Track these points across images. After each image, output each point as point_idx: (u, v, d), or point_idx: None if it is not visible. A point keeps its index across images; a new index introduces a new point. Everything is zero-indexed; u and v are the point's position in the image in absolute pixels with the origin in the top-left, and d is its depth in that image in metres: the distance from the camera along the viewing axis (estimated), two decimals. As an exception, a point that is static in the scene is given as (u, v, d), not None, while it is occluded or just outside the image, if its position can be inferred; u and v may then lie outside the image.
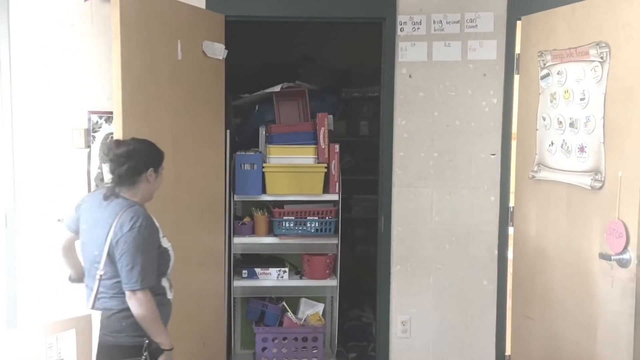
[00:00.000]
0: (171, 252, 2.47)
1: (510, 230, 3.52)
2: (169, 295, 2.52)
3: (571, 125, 2.98)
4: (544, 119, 3.17)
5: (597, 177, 2.82)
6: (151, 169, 2.40)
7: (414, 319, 3.53)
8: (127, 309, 2.32)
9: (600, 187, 2.80)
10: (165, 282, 2.49)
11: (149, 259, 2.31)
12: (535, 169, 3.25)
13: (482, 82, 3.43)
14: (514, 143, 3.50)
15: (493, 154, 3.46)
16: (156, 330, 2.35)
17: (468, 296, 3.50)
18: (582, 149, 2.91)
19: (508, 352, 3.53)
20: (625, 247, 2.65)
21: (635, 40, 2.59)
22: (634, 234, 2.62)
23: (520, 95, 3.43)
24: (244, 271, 3.81)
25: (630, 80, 2.62)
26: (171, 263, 2.47)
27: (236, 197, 3.76)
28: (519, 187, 3.46)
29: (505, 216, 3.48)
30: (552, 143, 3.12)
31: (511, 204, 3.50)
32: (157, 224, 2.43)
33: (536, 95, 3.22)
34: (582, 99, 2.90)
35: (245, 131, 4.13)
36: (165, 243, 2.44)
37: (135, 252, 2.26)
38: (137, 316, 2.30)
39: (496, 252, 3.49)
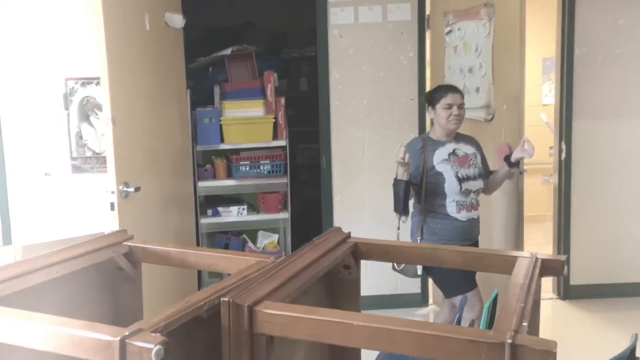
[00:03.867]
0: (447, 176, 3.05)
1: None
2: (456, 214, 3.06)
3: (469, 71, 3.74)
4: (450, 68, 3.93)
5: (489, 111, 3.61)
6: (430, 107, 3.14)
7: (354, 238, 4.29)
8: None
9: (492, 119, 3.59)
10: (451, 205, 3.06)
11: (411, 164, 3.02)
12: (444, 108, 4.01)
13: (400, 39, 4.14)
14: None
15: (411, 99, 4.20)
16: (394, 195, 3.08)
17: (394, 216, 4.26)
18: (477, 90, 3.69)
19: (430, 259, 4.35)
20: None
21: (510, 2, 3.35)
22: (493, 153, 3.43)
23: (431, 49, 4.18)
24: (209, 210, 4.46)
25: (509, 34, 3.39)
26: (446, 185, 3.04)
27: (198, 147, 4.37)
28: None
29: (423, 149, 4.25)
30: (456, 87, 3.88)
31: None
32: (438, 151, 3.07)
33: (443, 49, 3.97)
34: (476, 50, 3.66)
35: (200, 90, 4.72)
36: (442, 168, 3.06)
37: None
38: None
39: (417, 179, 4.26)
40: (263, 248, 4.59)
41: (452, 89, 3.14)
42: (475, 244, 3.22)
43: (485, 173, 3.20)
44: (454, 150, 3.11)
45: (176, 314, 1.23)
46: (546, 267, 1.46)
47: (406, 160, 2.91)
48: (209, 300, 1.32)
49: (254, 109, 4.43)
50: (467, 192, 3.08)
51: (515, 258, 1.50)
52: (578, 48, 4.19)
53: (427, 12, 4.15)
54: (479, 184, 3.13)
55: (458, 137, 3.18)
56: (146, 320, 1.19)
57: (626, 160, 4.27)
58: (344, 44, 4.15)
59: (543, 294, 4.54)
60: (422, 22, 4.15)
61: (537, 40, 5.79)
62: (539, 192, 6.06)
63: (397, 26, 4.14)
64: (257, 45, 4.90)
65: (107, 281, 1.72)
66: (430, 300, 4.40)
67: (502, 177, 3.23)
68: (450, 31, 3.89)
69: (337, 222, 4.28)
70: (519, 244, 3.44)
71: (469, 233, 3.13)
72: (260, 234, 4.66)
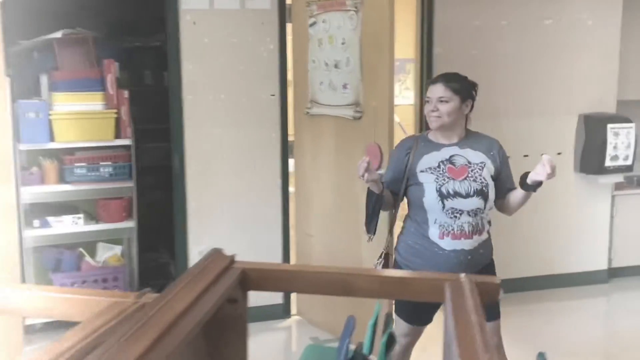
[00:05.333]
0: (426, 189, 2.43)
1: (292, 161, 4.02)
2: (437, 240, 2.44)
3: (335, 66, 3.51)
4: (314, 62, 3.66)
5: (357, 109, 3.40)
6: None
7: (210, 247, 3.86)
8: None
9: (360, 117, 3.39)
10: (433, 227, 2.44)
11: (388, 169, 2.65)
12: (309, 105, 3.75)
13: (260, 30, 3.80)
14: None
15: (272, 95, 3.88)
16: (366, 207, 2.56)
17: (257, 221, 3.93)
18: (345, 86, 3.47)
19: (294, 267, 4.07)
20: (380, 165, 3.28)
21: (380, -7, 3.16)
22: (386, 152, 3.26)
23: (294, 42, 3.89)
24: (36, 221, 3.78)
25: (377, 27, 3.20)
26: (425, 200, 2.43)
27: (22, 147, 3.68)
28: (297, 122, 3.95)
29: (285, 149, 3.95)
30: (322, 82, 3.63)
31: (291, 138, 3.99)
32: (428, 156, 2.49)
33: (306, 41, 3.70)
34: (343, 43, 3.44)
35: (23, 79, 4.00)
36: (424, 178, 2.45)
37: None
38: None
39: (279, 181, 3.95)
40: (104, 262, 4.00)
41: (436, 79, 2.54)
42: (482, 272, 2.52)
43: (506, 190, 2.54)
44: (450, 157, 2.48)
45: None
46: (481, 292, 1.21)
47: (366, 179, 2.36)
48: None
49: (92, 103, 3.84)
50: (454, 213, 2.43)
51: (443, 282, 1.23)
52: (437, 48, 4.15)
53: (289, 1, 3.85)
54: (474, 203, 2.43)
55: (466, 140, 2.53)
56: None
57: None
58: (197, 31, 3.72)
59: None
60: (283, 12, 3.84)
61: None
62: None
63: (257, 15, 3.80)
64: (94, 30, 4.28)
65: None
66: (293, 311, 4.11)
67: (520, 201, 2.53)
68: (314, 23, 3.63)
69: (192, 232, 3.84)
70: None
71: (456, 267, 2.40)
72: (101, 246, 4.05)
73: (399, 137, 5.79)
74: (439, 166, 2.47)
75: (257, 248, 3.92)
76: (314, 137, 3.77)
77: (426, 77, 4.19)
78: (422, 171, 2.48)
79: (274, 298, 4.02)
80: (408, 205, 2.58)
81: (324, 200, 3.74)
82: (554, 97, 4.36)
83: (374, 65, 3.27)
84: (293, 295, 4.09)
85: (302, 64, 3.77)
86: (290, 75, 3.94)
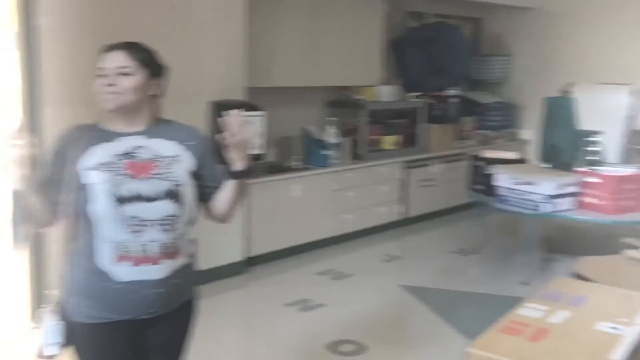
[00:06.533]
0: (93, 192, 1.79)
1: None
2: (107, 267, 1.80)
3: None
4: None
5: None
6: None
7: None
8: None
9: None
10: (102, 248, 1.80)
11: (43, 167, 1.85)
12: None
13: None
14: None
15: None
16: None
17: None
18: None
19: None
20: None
21: None
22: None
23: None
24: None
25: None
26: (92, 208, 1.79)
27: None
28: None
29: None
30: None
31: None
32: (96, 148, 1.84)
33: None
34: None
35: None
36: (89, 178, 1.80)
37: None
38: None
39: None
40: None
41: (115, 45, 1.88)
42: (179, 315, 2.01)
43: (212, 189, 1.99)
44: (131, 148, 1.88)
45: None
46: None
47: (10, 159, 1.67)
48: None
49: None
50: (135, 226, 1.82)
51: None
52: (42, 18, 3.45)
53: None
54: (164, 208, 1.85)
55: (157, 128, 1.94)
56: None
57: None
58: None
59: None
60: None
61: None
62: None
63: None
64: None
65: None
66: None
67: (229, 198, 1.97)
68: None
69: None
70: None
71: (140, 307, 1.86)
72: None
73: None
74: (112, 161, 1.86)
75: None
76: None
77: (31, 53, 3.47)
78: (87, 169, 1.82)
79: None
80: (73, 222, 1.87)
81: None
82: (182, 82, 4.03)
83: None
84: None
85: None
86: None
